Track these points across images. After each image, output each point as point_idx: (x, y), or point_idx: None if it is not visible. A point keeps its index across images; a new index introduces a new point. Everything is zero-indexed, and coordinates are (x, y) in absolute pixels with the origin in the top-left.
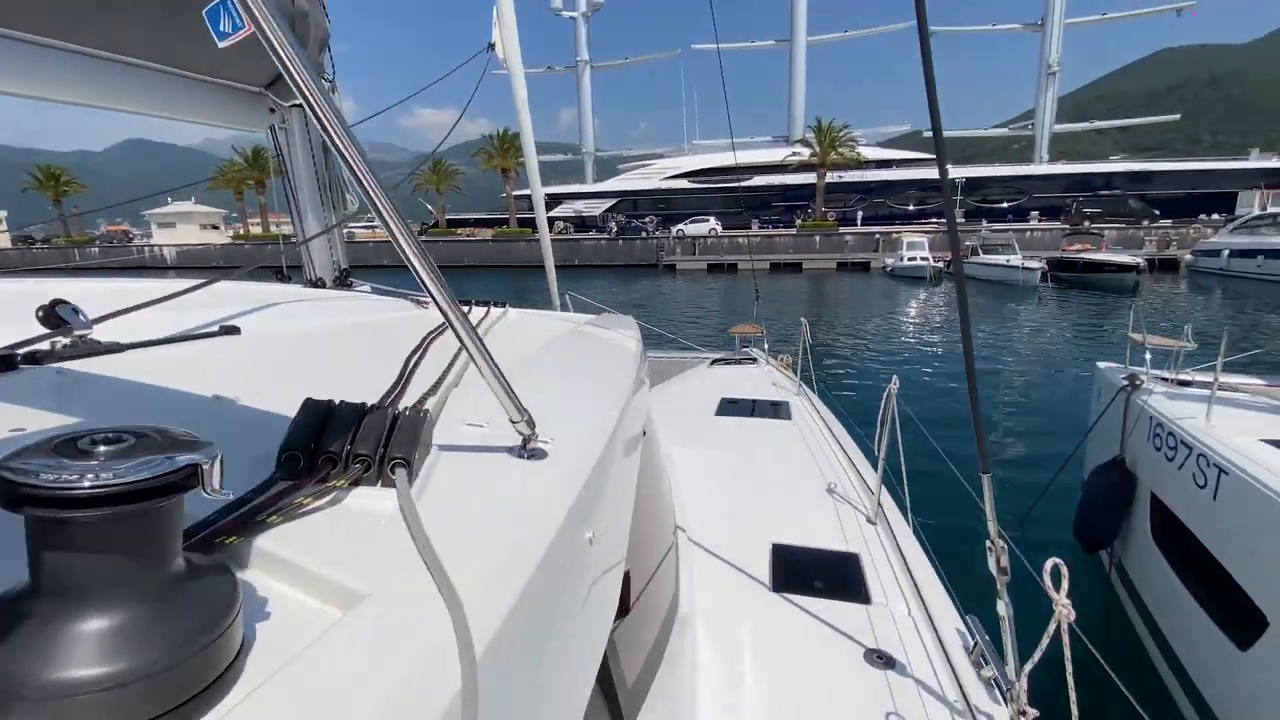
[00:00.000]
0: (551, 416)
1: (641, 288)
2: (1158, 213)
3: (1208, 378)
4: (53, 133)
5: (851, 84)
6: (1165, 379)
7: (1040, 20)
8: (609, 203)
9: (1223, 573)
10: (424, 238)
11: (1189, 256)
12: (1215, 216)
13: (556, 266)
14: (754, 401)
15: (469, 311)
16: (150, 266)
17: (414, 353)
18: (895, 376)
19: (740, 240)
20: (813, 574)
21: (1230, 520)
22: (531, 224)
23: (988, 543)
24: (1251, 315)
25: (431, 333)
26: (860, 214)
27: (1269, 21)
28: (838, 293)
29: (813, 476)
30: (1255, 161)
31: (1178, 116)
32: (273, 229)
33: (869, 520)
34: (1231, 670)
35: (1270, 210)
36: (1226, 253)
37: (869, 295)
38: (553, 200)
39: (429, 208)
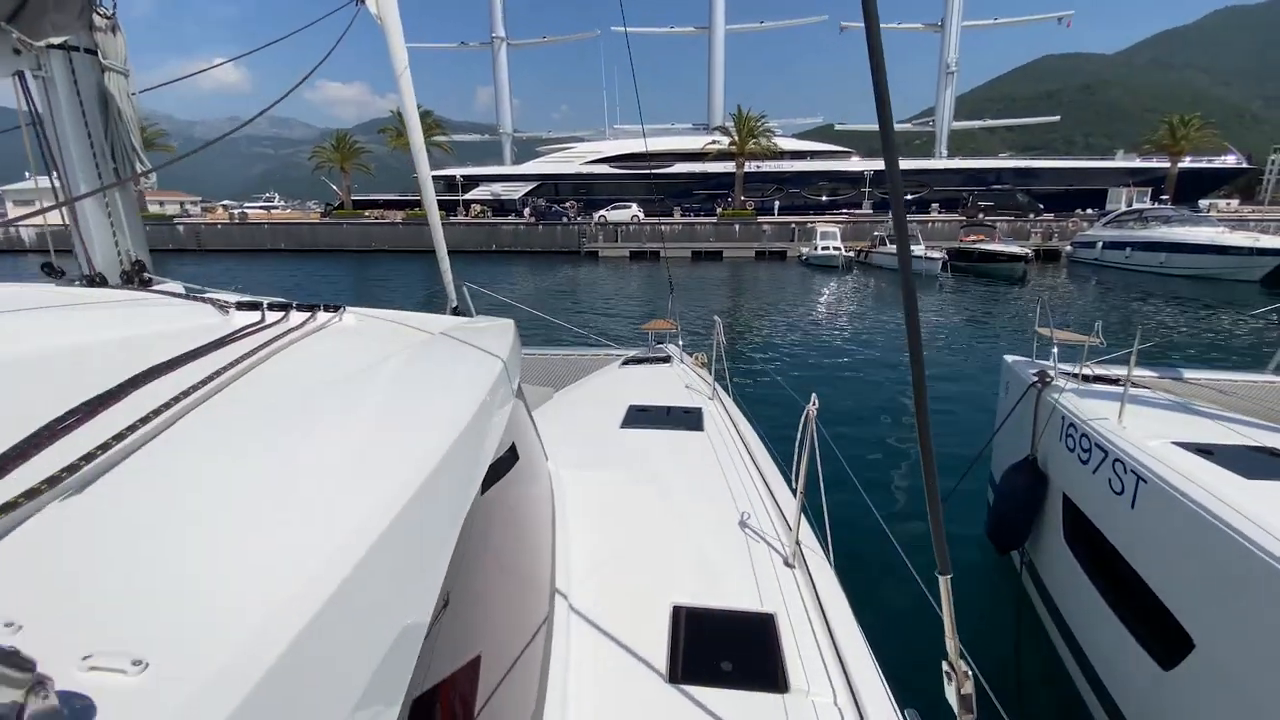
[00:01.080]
0: (342, 462)
1: (562, 275)
2: (1042, 206)
3: (1118, 372)
4: None
5: (768, 75)
6: (1074, 375)
7: (940, 21)
8: (528, 186)
9: (1143, 586)
10: (329, 220)
11: (1068, 248)
12: (1089, 211)
13: (473, 252)
14: (664, 409)
15: (283, 317)
16: (3, 250)
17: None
18: (814, 395)
19: (662, 227)
20: (720, 648)
21: (1151, 532)
22: (446, 206)
23: (945, 666)
24: (1122, 300)
25: (191, 353)
26: (777, 204)
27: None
28: (757, 281)
29: (724, 504)
30: (1122, 162)
31: (1058, 118)
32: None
33: (786, 563)
34: (1155, 690)
35: (1136, 206)
36: (1100, 245)
37: (786, 284)
38: (470, 182)
39: (334, 188)
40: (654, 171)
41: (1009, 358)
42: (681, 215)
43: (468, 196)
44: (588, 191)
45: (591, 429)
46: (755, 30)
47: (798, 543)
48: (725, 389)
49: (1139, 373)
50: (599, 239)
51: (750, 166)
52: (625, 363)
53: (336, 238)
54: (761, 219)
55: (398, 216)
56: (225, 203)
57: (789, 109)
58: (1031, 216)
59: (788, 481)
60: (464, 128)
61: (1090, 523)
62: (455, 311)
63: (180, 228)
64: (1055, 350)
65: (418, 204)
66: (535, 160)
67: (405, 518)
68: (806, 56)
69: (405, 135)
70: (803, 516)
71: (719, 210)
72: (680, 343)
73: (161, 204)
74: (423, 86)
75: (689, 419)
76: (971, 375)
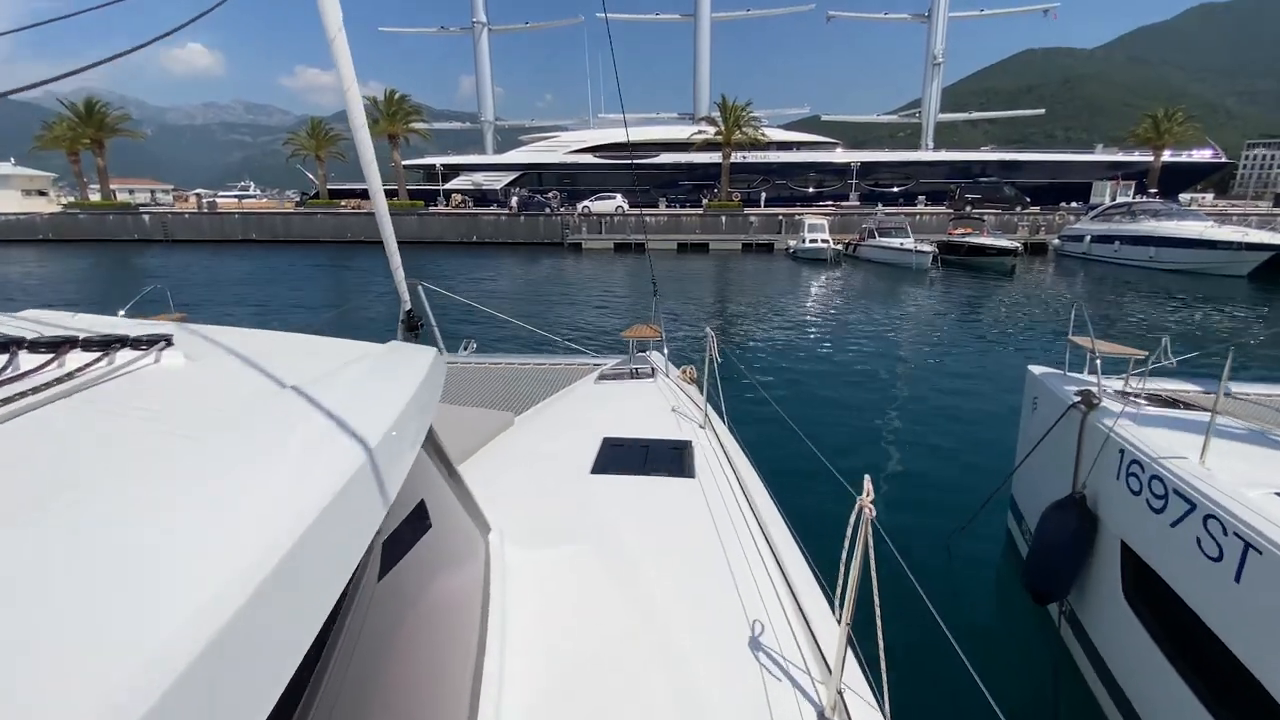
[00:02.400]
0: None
1: (544, 268)
2: (1029, 199)
3: (1184, 390)
4: None
5: (755, 65)
6: (1128, 395)
7: (927, 12)
8: (511, 176)
9: (1247, 677)
10: (303, 210)
11: (1056, 241)
12: (1074, 204)
13: (454, 243)
14: (646, 445)
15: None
16: None
17: None
18: (868, 481)
19: (647, 219)
20: None
21: (1266, 615)
22: (425, 196)
23: None
24: (1112, 295)
25: None
26: (764, 195)
27: (1114, 29)
28: (744, 275)
29: (727, 607)
30: (1103, 155)
31: (1042, 111)
32: (118, 195)
33: (821, 717)
34: None
35: (1120, 200)
36: (1089, 238)
37: (775, 278)
38: (450, 171)
39: (310, 176)
40: (639, 161)
41: (1036, 369)
42: (667, 206)
43: (448, 186)
44: (572, 182)
45: (553, 475)
46: (742, 18)
47: (839, 692)
48: (719, 413)
49: (1188, 389)
50: (582, 231)
51: (736, 157)
52: (603, 377)
53: (311, 228)
54: (748, 210)
55: None
56: (199, 191)
57: (775, 99)
58: (1018, 210)
59: (816, 574)
60: (446, 116)
61: (1163, 582)
62: (409, 315)
63: (146, 217)
64: (1099, 364)
65: (395, 193)
66: (518, 149)
67: (219, 646)
68: (793, 46)
69: (383, 123)
70: (848, 649)
71: (705, 202)
72: (666, 351)
73: (131, 191)
74: (403, 73)
75: (676, 460)
76: (972, 380)
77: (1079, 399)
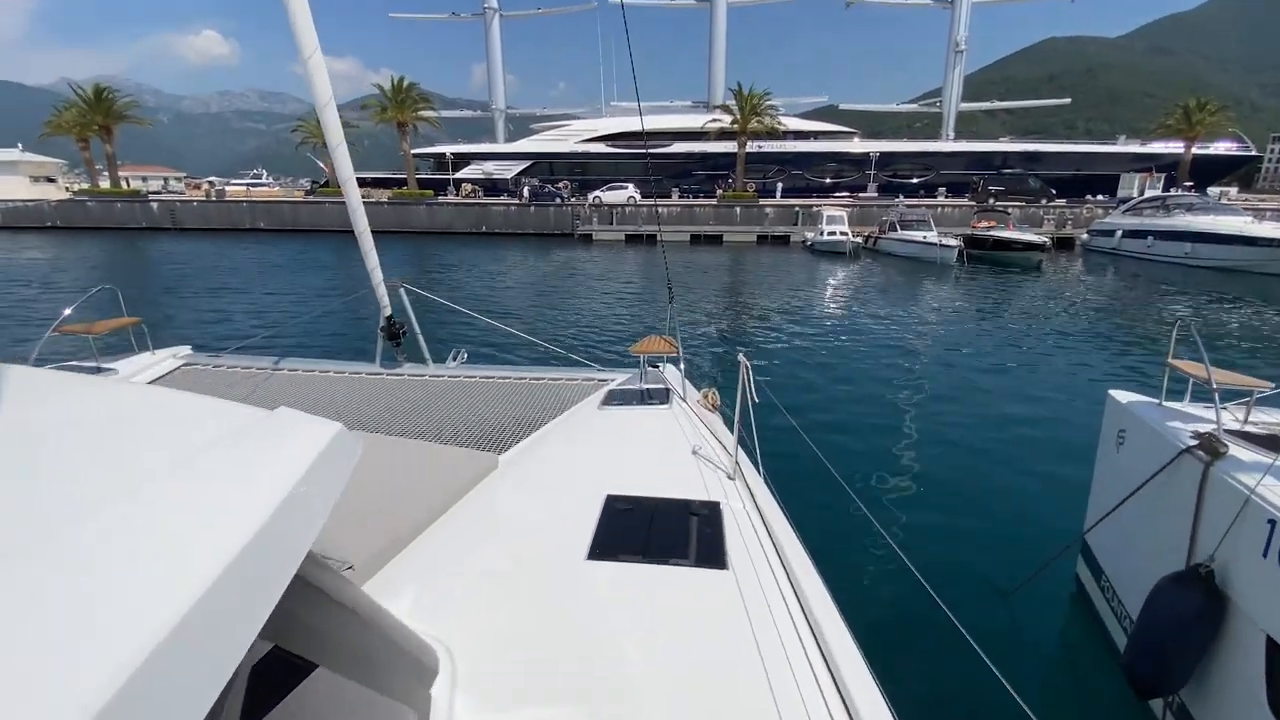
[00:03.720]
0: None
1: (555, 260)
2: (1054, 192)
3: None
4: None
5: (772, 52)
6: (1252, 436)
7: None
8: (522, 165)
9: None
10: (314, 198)
11: (1084, 236)
12: (1100, 197)
13: (463, 234)
14: (661, 508)
15: None
16: None
17: None
18: None
19: (659, 209)
20: None
21: None
22: (435, 185)
23: None
24: (1150, 294)
25: None
26: (780, 186)
27: (1137, 18)
28: (760, 268)
29: None
30: (1129, 146)
31: (1068, 101)
32: (131, 183)
33: None
34: None
35: (1156, 194)
36: (1120, 233)
37: (792, 271)
38: (461, 160)
39: (320, 164)
40: (652, 151)
41: (1122, 396)
42: (680, 197)
43: (459, 175)
44: (583, 171)
45: (537, 558)
46: (759, 4)
47: None
48: (753, 460)
49: None
50: (593, 221)
51: (752, 147)
52: (609, 400)
53: (319, 217)
54: (764, 202)
55: (384, 196)
56: (211, 179)
57: (792, 87)
58: (1044, 202)
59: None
60: (456, 103)
61: None
62: (389, 321)
63: (154, 205)
64: (1215, 395)
65: (404, 182)
66: (529, 138)
67: None
68: (811, 33)
69: (392, 111)
70: None
71: (719, 192)
72: (683, 367)
73: (145, 179)
74: (414, 61)
75: (704, 536)
76: (1022, 396)
77: (1196, 442)
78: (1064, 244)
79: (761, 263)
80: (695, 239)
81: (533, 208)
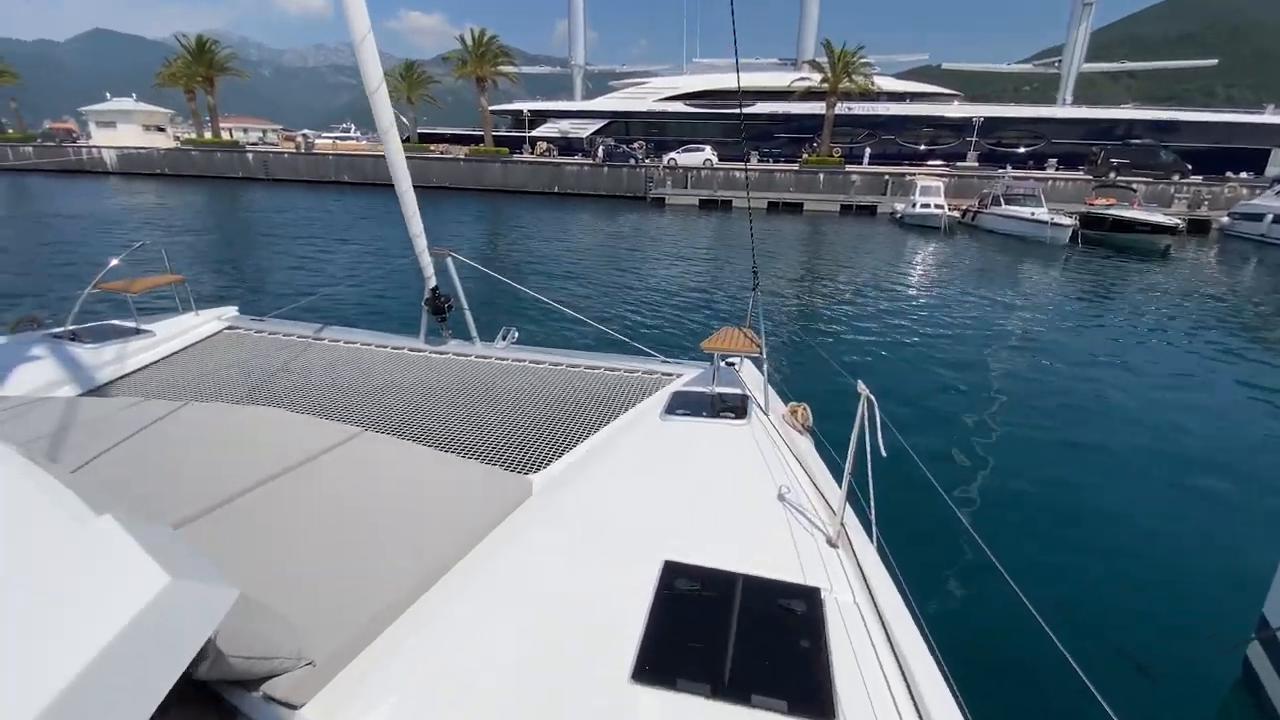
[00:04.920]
0: None
1: (624, 224)
2: (1190, 167)
3: None
4: (15, 19)
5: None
6: None
7: None
8: (598, 124)
9: None
10: None
11: (1225, 219)
12: (1245, 175)
13: (536, 193)
14: (728, 588)
15: None
16: (88, 171)
17: None
18: None
19: (736, 174)
20: None
21: None
22: (511, 143)
23: None
24: None
25: None
26: (868, 151)
27: None
28: (841, 242)
29: None
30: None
31: (1214, 62)
32: (233, 134)
33: None
34: None
35: None
36: (1270, 218)
37: (878, 247)
38: (538, 118)
39: (402, 120)
40: (731, 111)
41: None
42: (759, 161)
43: (534, 134)
44: (659, 132)
45: (559, 679)
46: None
47: None
48: (865, 522)
49: None
50: (666, 184)
51: (841, 108)
52: (674, 407)
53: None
54: (850, 168)
55: (461, 152)
56: (304, 132)
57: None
58: (1176, 178)
59: None
60: (539, 61)
61: None
62: (434, 294)
63: (250, 156)
64: None
65: (481, 139)
66: (606, 96)
67: None
68: None
69: (472, 65)
70: None
71: (804, 157)
72: (765, 369)
73: (245, 130)
74: (500, 17)
75: (800, 660)
76: (1173, 411)
77: None
78: (1198, 227)
79: (843, 234)
80: (773, 206)
81: (606, 169)
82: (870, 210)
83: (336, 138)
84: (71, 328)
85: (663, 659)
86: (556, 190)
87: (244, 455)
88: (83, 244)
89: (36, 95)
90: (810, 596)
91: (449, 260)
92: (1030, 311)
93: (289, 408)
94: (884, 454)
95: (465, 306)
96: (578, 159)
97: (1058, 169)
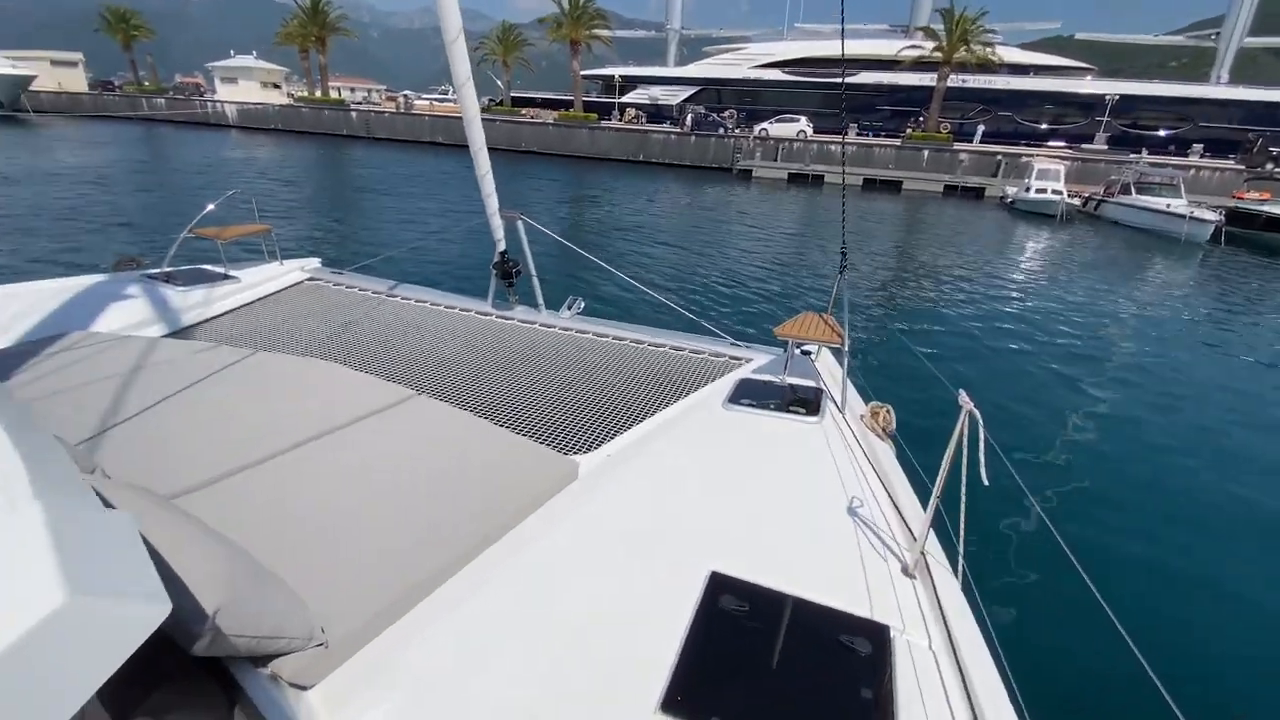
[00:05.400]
0: None
1: (707, 196)
2: None
3: None
4: None
5: None
6: None
7: None
8: (689, 91)
9: None
10: (486, 115)
11: None
12: None
13: (620, 161)
14: (780, 611)
15: None
16: (212, 123)
17: None
18: None
19: (832, 147)
20: None
21: None
22: (600, 109)
23: None
24: None
25: None
26: (980, 128)
27: None
28: (941, 226)
29: None
30: None
31: None
32: (342, 94)
33: None
34: None
35: None
36: None
37: (983, 233)
38: (629, 84)
39: (498, 82)
40: (834, 80)
41: None
42: (858, 134)
43: (623, 100)
44: (753, 100)
45: (578, 702)
46: None
47: None
48: (953, 545)
49: None
50: (755, 156)
51: (954, 81)
52: (739, 396)
53: (487, 135)
54: (959, 146)
55: (551, 117)
56: (405, 92)
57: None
58: None
59: None
60: (630, 24)
61: None
62: (503, 258)
63: (354, 114)
64: None
65: (571, 104)
66: (700, 62)
67: None
68: None
69: (567, 28)
70: None
71: (908, 131)
72: (846, 362)
73: (353, 90)
74: None
75: (858, 712)
76: None
77: None
78: None
79: (944, 218)
80: (869, 184)
81: (693, 138)
82: (977, 193)
83: (434, 99)
84: (166, 269)
85: (698, 690)
86: (641, 158)
87: (297, 409)
88: (198, 191)
89: (169, 50)
90: (877, 634)
91: (519, 224)
92: (1158, 320)
93: (353, 362)
94: (985, 481)
95: (533, 272)
96: (666, 127)
97: (1203, 156)
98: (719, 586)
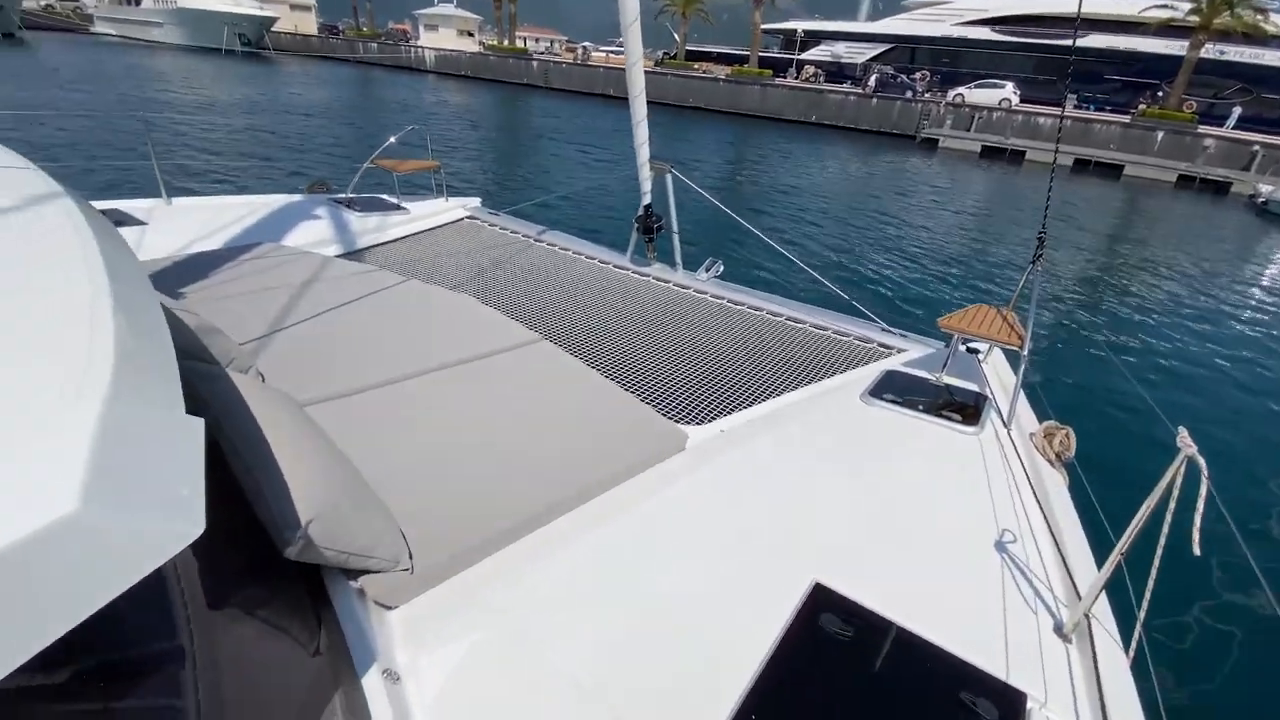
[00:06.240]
0: None
1: (882, 164)
2: None
3: None
4: None
5: None
6: None
7: None
8: (878, 49)
9: None
10: (654, 69)
11: None
12: None
13: (790, 121)
14: (886, 646)
15: None
16: (413, 68)
17: None
18: None
19: (1041, 119)
20: None
21: None
22: (776, 65)
23: None
24: None
25: None
26: (1236, 111)
27: None
28: (1167, 226)
29: None
30: None
31: None
32: (527, 43)
33: None
34: None
35: None
36: None
37: (1223, 242)
38: (811, 39)
39: (675, 35)
40: (1054, 43)
41: None
42: (1076, 107)
43: (803, 56)
44: (951, 62)
45: (640, 705)
46: None
47: None
48: (1131, 614)
49: None
50: (945, 124)
51: (1209, 51)
52: (882, 389)
53: (656, 89)
54: (1204, 130)
55: (723, 72)
56: (585, 44)
57: None
58: None
59: None
60: None
61: None
62: (647, 211)
63: (534, 64)
64: None
65: (747, 59)
66: (895, 17)
67: None
68: None
69: None
70: None
71: (1141, 107)
72: (1023, 368)
73: (537, 40)
74: None
75: None
76: None
77: None
78: None
79: (1173, 215)
80: (1081, 165)
81: (874, 100)
82: (1221, 188)
83: (611, 51)
84: (349, 195)
85: (775, 713)
86: (813, 120)
87: (432, 338)
88: (390, 127)
89: None
90: (1010, 702)
91: (668, 177)
92: None
93: (492, 301)
94: (1197, 550)
95: (675, 229)
96: (844, 87)
97: None
98: (821, 601)
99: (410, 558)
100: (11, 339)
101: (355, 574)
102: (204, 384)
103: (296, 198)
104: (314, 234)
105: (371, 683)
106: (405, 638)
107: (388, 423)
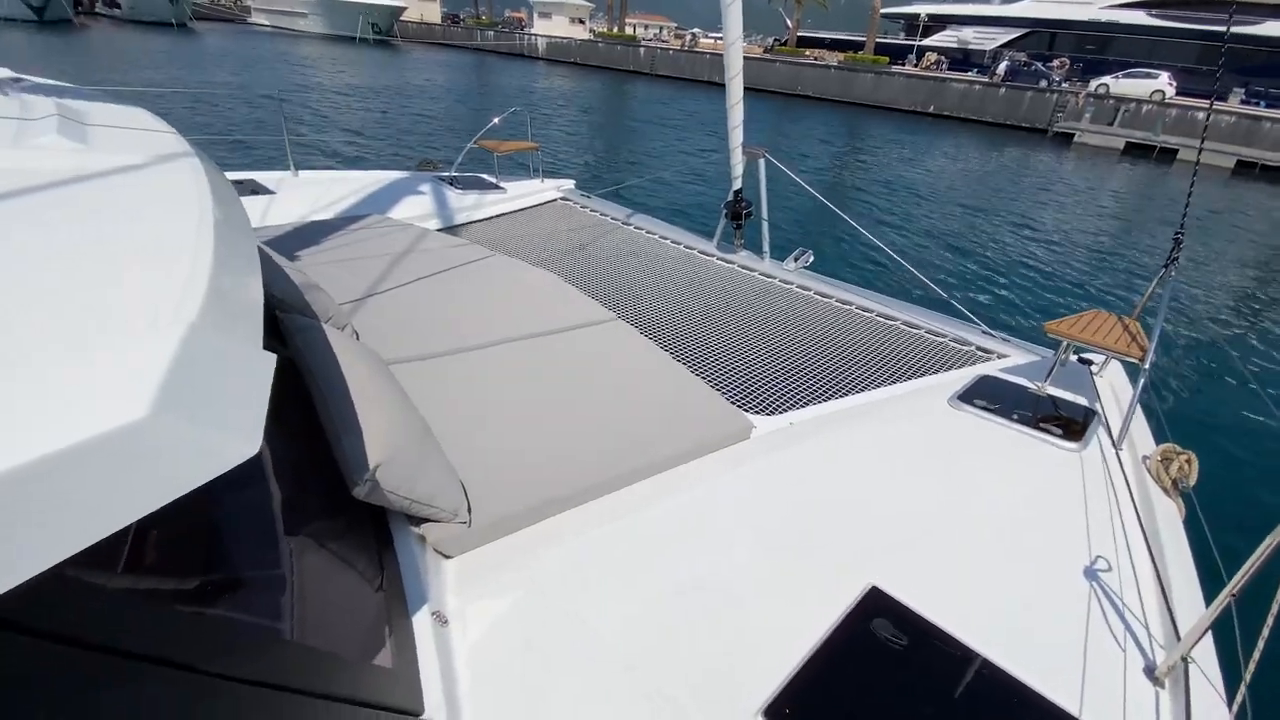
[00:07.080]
0: None
1: (1008, 160)
2: None
3: None
4: None
5: None
6: None
7: None
8: (1011, 34)
9: None
10: (764, 56)
11: None
12: None
13: (906, 111)
14: (940, 662)
15: None
16: (526, 55)
17: None
18: None
19: (1200, 115)
20: None
21: None
22: (894, 52)
23: None
24: None
25: None
26: None
27: None
28: None
29: None
30: None
31: None
32: (637, 30)
33: None
34: None
35: None
36: None
37: None
38: (935, 24)
39: (787, 21)
40: (1220, 30)
41: None
42: (1242, 102)
43: (927, 42)
44: (1097, 49)
45: (677, 688)
46: None
47: None
48: (1237, 665)
49: None
50: (1084, 117)
51: None
52: (972, 395)
53: (765, 76)
54: None
55: (835, 59)
56: (694, 30)
57: None
58: None
59: None
60: None
61: None
62: (737, 197)
63: (641, 50)
64: None
65: (863, 45)
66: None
67: None
68: None
69: None
70: None
71: None
72: (1142, 383)
73: (646, 27)
74: None
75: None
76: None
77: None
78: None
79: None
80: (1244, 168)
81: (1003, 89)
82: None
83: (718, 38)
84: (453, 173)
85: (811, 709)
86: (932, 110)
87: (513, 310)
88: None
89: None
90: None
91: (761, 163)
92: None
93: (577, 280)
94: None
95: (764, 217)
96: (969, 75)
97: None
98: (876, 605)
99: (469, 511)
100: (123, 265)
101: (417, 521)
102: (301, 334)
103: (406, 174)
104: (418, 208)
105: (420, 622)
106: (458, 585)
107: (462, 385)
